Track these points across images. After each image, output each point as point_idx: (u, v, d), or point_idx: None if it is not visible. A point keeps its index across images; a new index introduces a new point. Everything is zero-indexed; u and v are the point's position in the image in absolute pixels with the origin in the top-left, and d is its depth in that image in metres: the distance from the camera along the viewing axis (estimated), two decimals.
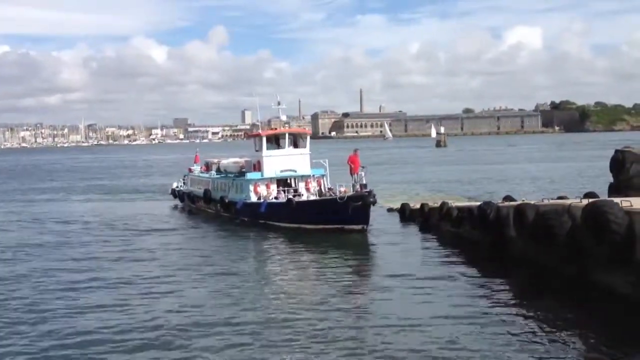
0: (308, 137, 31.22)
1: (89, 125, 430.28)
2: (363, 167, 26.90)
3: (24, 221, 32.51)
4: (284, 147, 30.19)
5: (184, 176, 40.82)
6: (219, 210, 31.94)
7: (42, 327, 13.19)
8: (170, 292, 15.99)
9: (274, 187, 29.28)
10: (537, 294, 14.85)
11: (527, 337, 11.80)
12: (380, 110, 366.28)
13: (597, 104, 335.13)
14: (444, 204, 24.66)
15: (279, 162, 29.47)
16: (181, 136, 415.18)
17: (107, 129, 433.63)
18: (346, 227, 24.75)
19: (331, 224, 24.94)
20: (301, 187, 29.41)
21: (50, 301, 15.31)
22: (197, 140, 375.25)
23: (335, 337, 12.00)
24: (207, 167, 37.85)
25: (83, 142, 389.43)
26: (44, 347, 11.90)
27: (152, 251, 22.26)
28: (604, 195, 20.74)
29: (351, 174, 26.74)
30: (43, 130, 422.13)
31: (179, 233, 27.45)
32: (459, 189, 41.98)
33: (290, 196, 27.69)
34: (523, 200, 19.92)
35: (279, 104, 31.84)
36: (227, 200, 30.67)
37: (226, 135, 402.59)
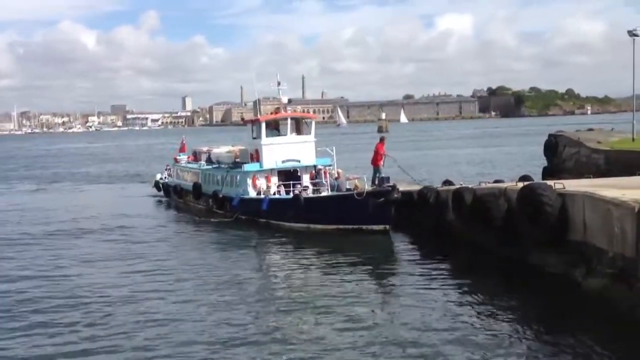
0: (313, 122, 27.54)
1: (22, 113, 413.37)
2: (385, 156, 24.09)
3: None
4: (285, 134, 26.53)
5: (167, 166, 37.95)
6: (211, 206, 28.26)
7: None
8: (160, 309, 13.65)
9: (274, 180, 25.67)
10: (476, 274, 15.35)
11: (464, 316, 12.31)
12: (322, 96, 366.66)
13: (532, 89, 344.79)
14: None
15: (280, 151, 25.84)
16: (119, 123, 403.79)
17: (41, 117, 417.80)
18: (365, 227, 21.67)
19: (347, 224, 21.92)
20: (305, 179, 25.78)
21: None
22: (137, 128, 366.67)
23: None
24: (195, 156, 34.31)
25: (16, 130, 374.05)
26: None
27: (137, 260, 18.95)
28: (538, 178, 21.42)
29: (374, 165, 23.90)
30: None
31: (166, 235, 23.77)
32: (401, 174, 42.39)
33: (297, 191, 24.22)
34: (461, 184, 20.40)
35: (278, 84, 28.03)
36: (220, 196, 27.26)
37: (167, 122, 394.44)
